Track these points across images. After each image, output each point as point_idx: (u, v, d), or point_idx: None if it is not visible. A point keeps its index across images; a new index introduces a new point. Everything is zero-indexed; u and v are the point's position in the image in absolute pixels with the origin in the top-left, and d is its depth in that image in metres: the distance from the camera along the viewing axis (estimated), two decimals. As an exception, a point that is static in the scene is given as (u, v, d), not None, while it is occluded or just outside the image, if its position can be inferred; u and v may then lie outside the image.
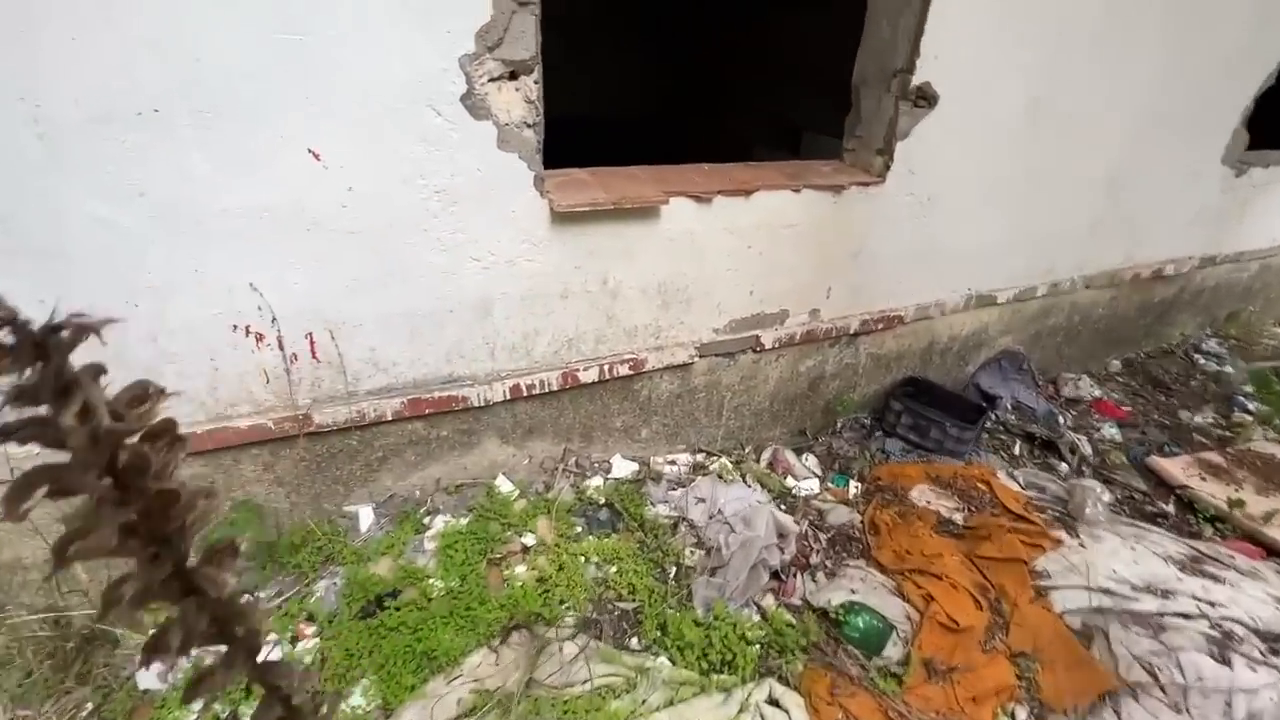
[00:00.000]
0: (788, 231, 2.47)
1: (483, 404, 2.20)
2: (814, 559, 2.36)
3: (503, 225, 1.97)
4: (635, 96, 6.76)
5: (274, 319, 1.81)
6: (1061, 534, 2.47)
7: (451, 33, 1.65)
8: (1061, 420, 3.41)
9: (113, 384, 0.43)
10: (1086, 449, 3.17)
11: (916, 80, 2.38)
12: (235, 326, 1.78)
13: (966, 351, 3.43)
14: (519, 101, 1.83)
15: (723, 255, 2.39)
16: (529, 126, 1.87)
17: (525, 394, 2.26)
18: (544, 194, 1.97)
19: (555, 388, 2.31)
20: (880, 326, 2.95)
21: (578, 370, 2.31)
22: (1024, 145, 2.82)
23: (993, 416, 3.30)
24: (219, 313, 1.74)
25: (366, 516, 2.18)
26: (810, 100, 4.73)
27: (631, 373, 2.43)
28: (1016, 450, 3.17)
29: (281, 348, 1.86)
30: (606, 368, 2.36)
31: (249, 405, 1.89)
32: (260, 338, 1.82)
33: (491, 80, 1.77)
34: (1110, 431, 3.39)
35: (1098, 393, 3.74)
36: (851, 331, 2.88)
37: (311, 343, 1.89)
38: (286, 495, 2.09)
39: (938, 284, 3.04)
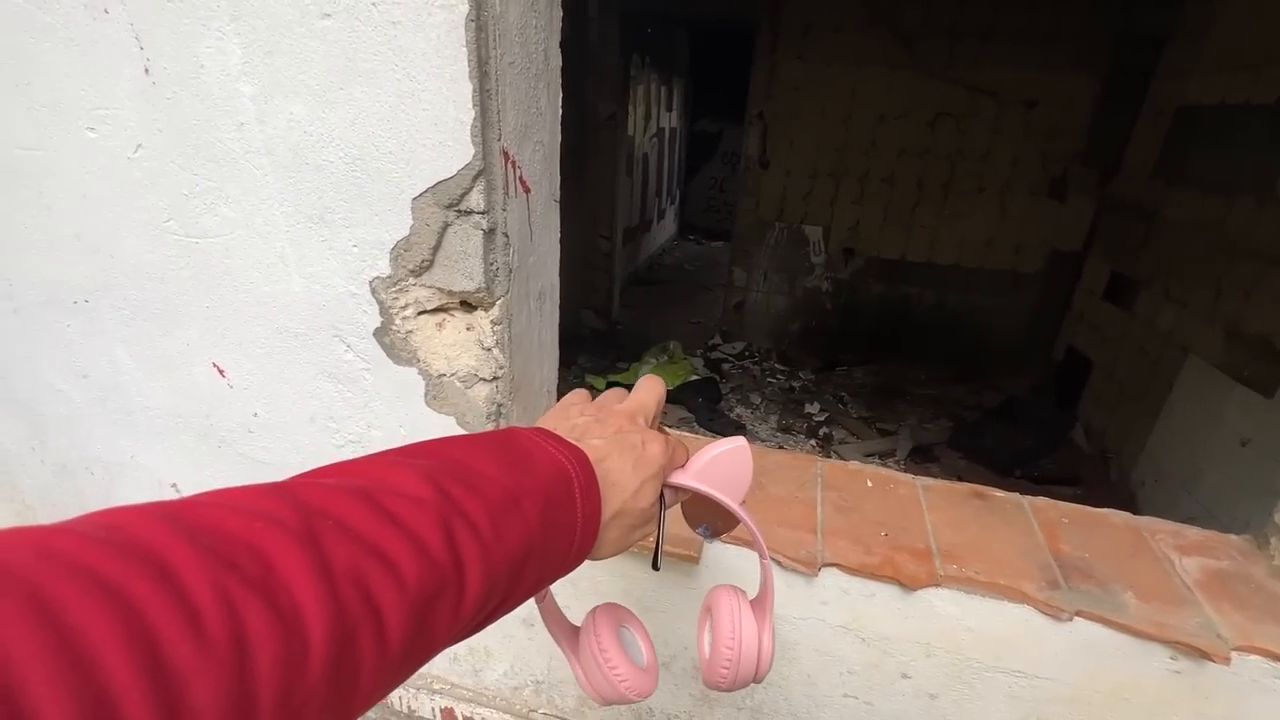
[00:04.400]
0: (1011, 682, 1.10)
1: None
2: None
3: (436, 505, 1.30)
4: (1006, 250, 5.18)
5: (194, 526, 1.54)
6: None
7: (358, 247, 1.10)
8: None
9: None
10: None
11: None
12: (166, 520, 1.56)
13: None
14: (468, 346, 1.15)
15: (836, 669, 1.19)
16: (484, 381, 1.17)
17: (465, 723, 1.51)
18: (496, 480, 1.23)
19: (507, 735, 1.48)
20: None
21: (541, 730, 1.44)
22: None
23: None
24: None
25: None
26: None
27: (634, 770, 1.41)
28: None
29: (203, 556, 1.58)
30: (589, 746, 1.42)
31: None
32: (186, 539, 1.57)
33: (423, 313, 1.14)
34: None
35: None
36: None
37: (231, 561, 1.56)
38: None
39: None
